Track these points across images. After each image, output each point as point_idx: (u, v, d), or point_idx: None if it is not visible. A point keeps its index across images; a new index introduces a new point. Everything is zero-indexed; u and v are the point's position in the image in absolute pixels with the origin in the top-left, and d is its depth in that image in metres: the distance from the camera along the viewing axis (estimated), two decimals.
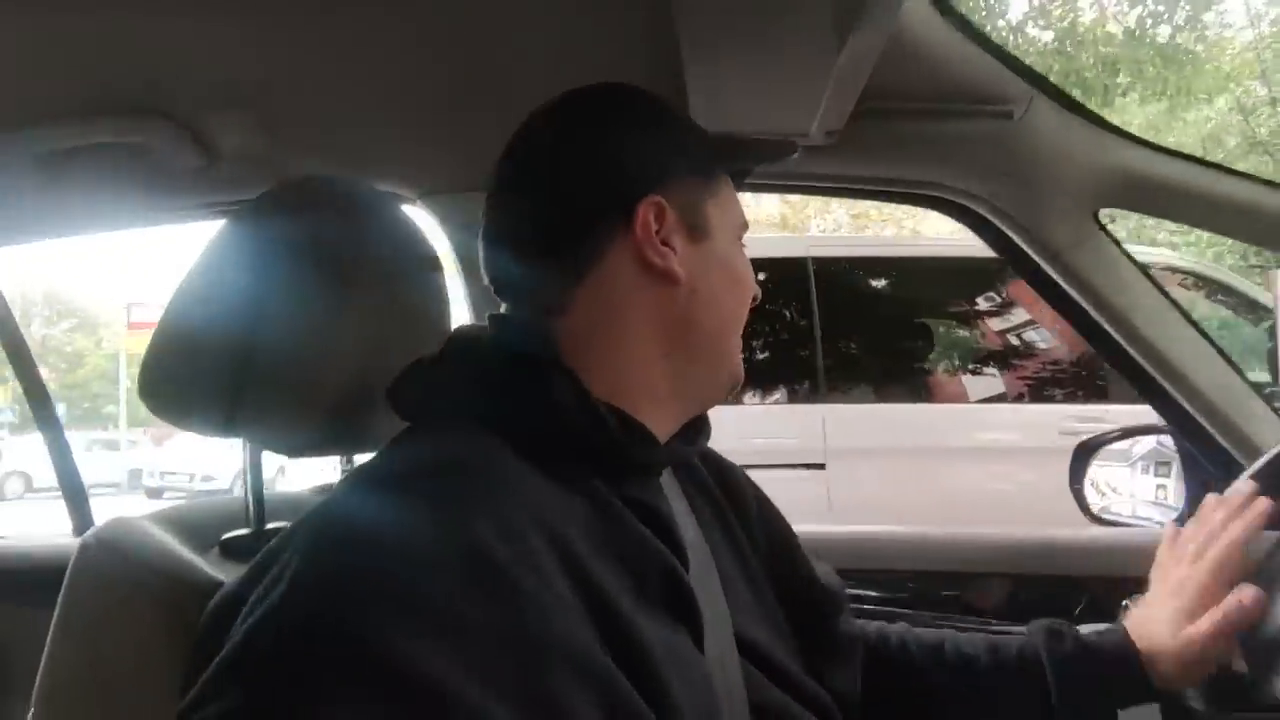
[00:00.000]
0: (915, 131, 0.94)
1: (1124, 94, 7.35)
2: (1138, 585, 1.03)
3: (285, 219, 0.65)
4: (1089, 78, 7.25)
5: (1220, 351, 1.05)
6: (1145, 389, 1.09)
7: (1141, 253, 3.48)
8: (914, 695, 0.74)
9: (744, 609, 0.63)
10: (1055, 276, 1.04)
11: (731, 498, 0.72)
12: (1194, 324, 1.06)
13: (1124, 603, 1.06)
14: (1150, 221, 7.48)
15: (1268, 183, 0.96)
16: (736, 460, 0.75)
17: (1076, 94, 7.06)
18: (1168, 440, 1.30)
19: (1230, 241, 6.99)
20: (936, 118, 0.91)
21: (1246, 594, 0.67)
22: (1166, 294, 1.07)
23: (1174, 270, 3.37)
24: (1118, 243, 1.04)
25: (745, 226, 0.65)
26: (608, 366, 0.56)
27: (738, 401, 3.13)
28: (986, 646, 0.74)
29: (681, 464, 0.68)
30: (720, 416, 0.65)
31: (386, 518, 0.43)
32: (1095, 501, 1.37)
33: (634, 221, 0.56)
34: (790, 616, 0.68)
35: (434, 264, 0.70)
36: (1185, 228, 7.16)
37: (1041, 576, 1.17)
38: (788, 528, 0.75)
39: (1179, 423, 1.09)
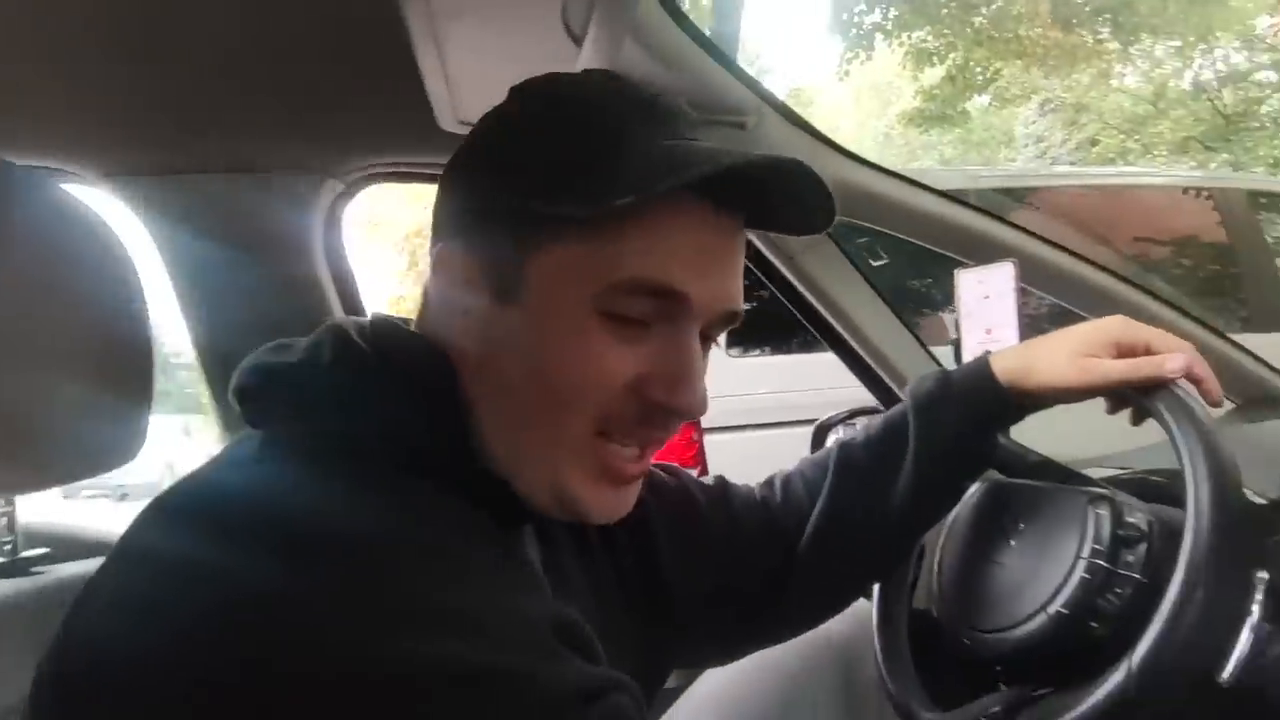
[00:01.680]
0: None
1: (1151, 32, 7.43)
2: None
3: None
4: (1115, 16, 7.26)
5: (921, 343, 1.20)
6: (864, 377, 1.22)
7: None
8: (825, 533, 0.71)
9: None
10: (790, 278, 1.12)
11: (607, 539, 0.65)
12: (900, 318, 1.21)
13: None
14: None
15: (959, 202, 1.10)
16: None
17: (1106, 33, 7.25)
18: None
19: None
20: None
21: (1177, 355, 0.62)
22: (880, 293, 1.20)
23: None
24: (840, 245, 1.15)
25: (660, 294, 0.45)
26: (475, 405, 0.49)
27: None
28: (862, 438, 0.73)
29: None
30: None
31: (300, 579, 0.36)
32: None
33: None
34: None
35: (121, 259, 0.60)
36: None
37: None
38: (690, 496, 0.70)
39: (890, 404, 1.23)
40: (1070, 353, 0.66)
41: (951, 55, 7.60)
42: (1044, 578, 0.67)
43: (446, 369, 0.48)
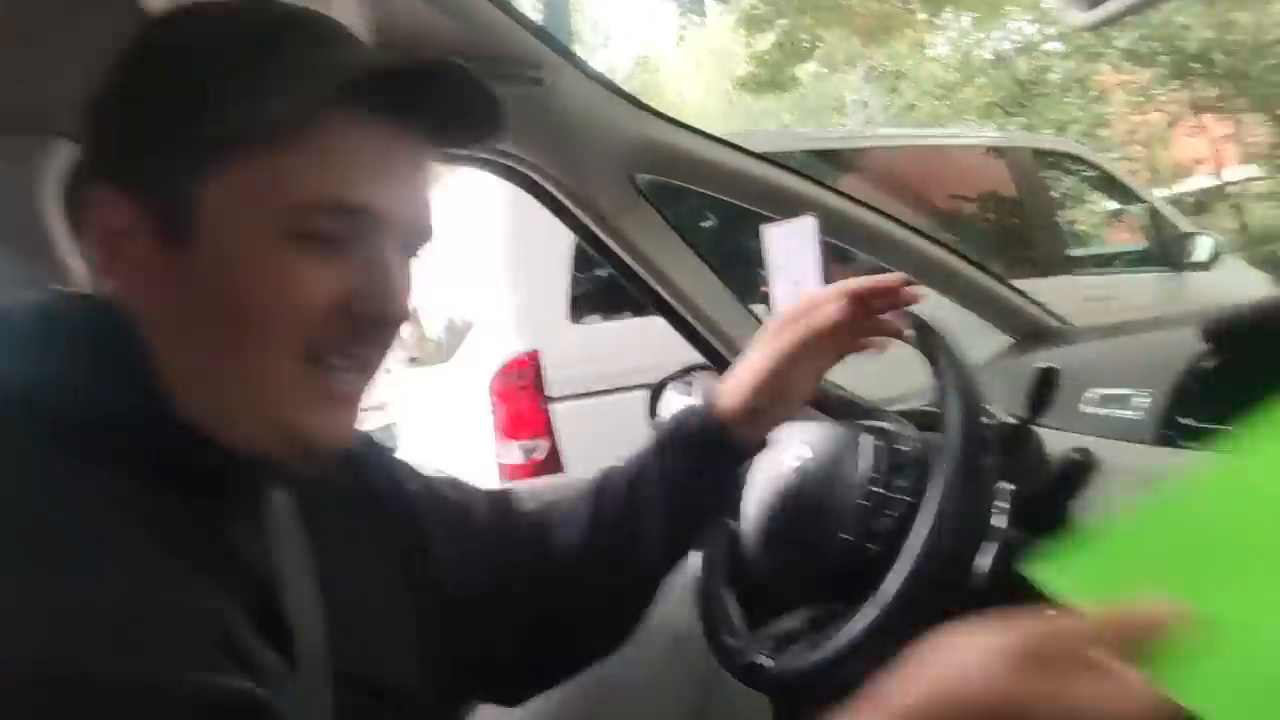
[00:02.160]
0: None
1: (952, 5, 7.90)
2: None
3: None
4: None
5: (738, 299, 1.24)
6: (685, 332, 1.25)
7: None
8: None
9: (363, 642, 0.55)
10: (605, 239, 1.12)
11: (384, 515, 0.62)
12: (718, 275, 1.24)
13: None
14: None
15: (763, 159, 1.14)
16: None
17: (915, 4, 7.52)
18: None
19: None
20: None
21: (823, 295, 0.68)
22: (698, 252, 1.23)
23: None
24: (656, 206, 1.16)
25: (342, 211, 0.44)
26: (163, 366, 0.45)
27: None
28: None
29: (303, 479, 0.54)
30: None
31: None
32: None
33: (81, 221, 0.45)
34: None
35: None
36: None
37: None
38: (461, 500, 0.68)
39: (714, 360, 1.28)
40: (761, 356, 0.68)
41: (779, 21, 7.87)
42: (831, 508, 0.72)
43: (106, 325, 0.45)
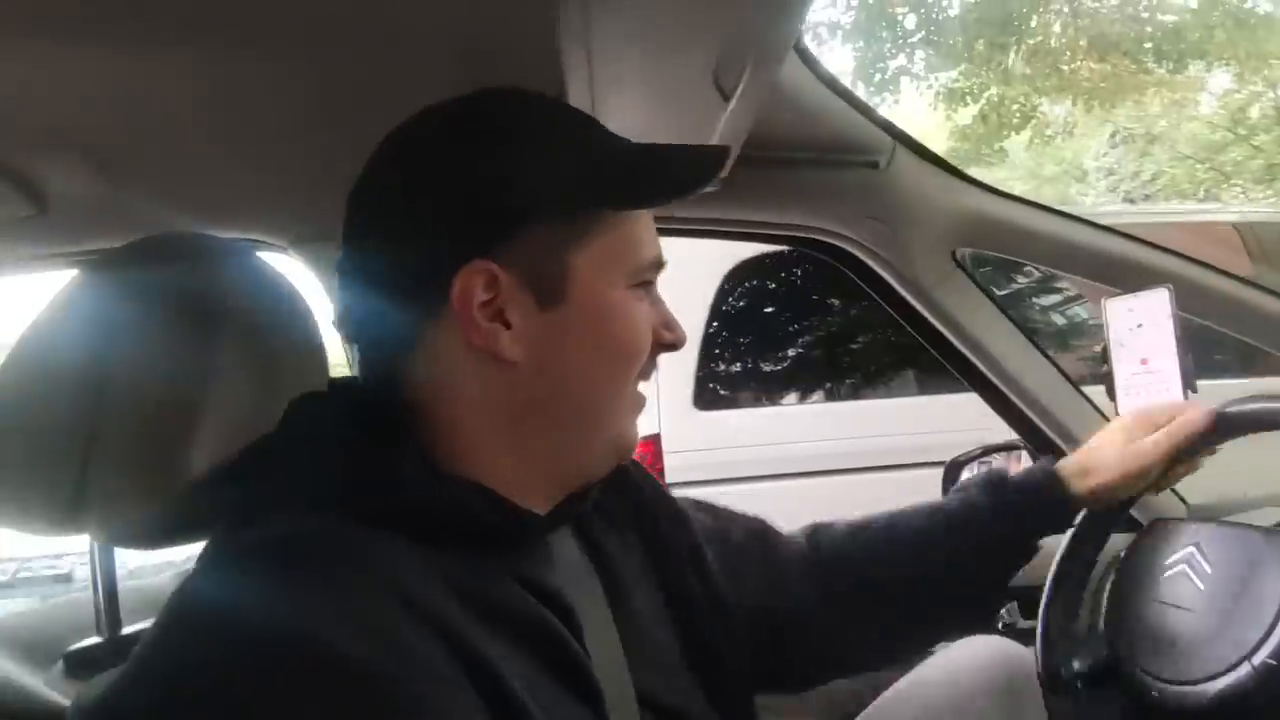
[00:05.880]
0: (792, 179, 0.98)
1: (1203, 57, 7.08)
2: (1010, 595, 1.13)
3: (141, 274, 0.58)
4: (1160, 44, 6.95)
5: (1065, 375, 1.16)
6: (1003, 411, 1.18)
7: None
8: (864, 590, 0.74)
9: (661, 665, 0.59)
10: (923, 312, 1.11)
11: (655, 531, 0.66)
12: (1041, 350, 1.17)
13: (1001, 611, 1.15)
14: None
15: (1102, 227, 1.07)
16: None
17: (1149, 60, 6.95)
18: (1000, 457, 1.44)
19: None
20: (811, 166, 0.96)
21: (1194, 413, 0.74)
22: (1017, 323, 1.17)
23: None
24: (974, 278, 1.13)
25: (656, 266, 0.54)
26: (456, 445, 0.50)
27: None
28: (926, 512, 0.77)
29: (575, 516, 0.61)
30: None
31: (232, 605, 0.40)
32: None
33: (451, 293, 0.48)
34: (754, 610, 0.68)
35: (306, 317, 0.65)
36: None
37: None
38: (728, 527, 0.73)
39: (1034, 440, 1.20)
40: (1119, 448, 0.76)
41: (986, 94, 7.20)
42: (1243, 624, 0.64)
43: (395, 409, 0.51)
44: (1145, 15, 7.01)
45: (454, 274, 0.48)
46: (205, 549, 0.46)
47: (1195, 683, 0.65)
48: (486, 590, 0.45)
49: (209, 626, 0.40)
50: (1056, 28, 7.14)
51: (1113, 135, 8.73)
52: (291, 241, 1.03)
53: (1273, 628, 0.61)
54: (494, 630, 0.43)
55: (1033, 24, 7.08)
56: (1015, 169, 9.67)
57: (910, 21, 6.95)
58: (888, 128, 0.95)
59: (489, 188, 0.49)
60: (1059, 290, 2.94)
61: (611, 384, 0.53)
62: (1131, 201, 8.06)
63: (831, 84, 0.88)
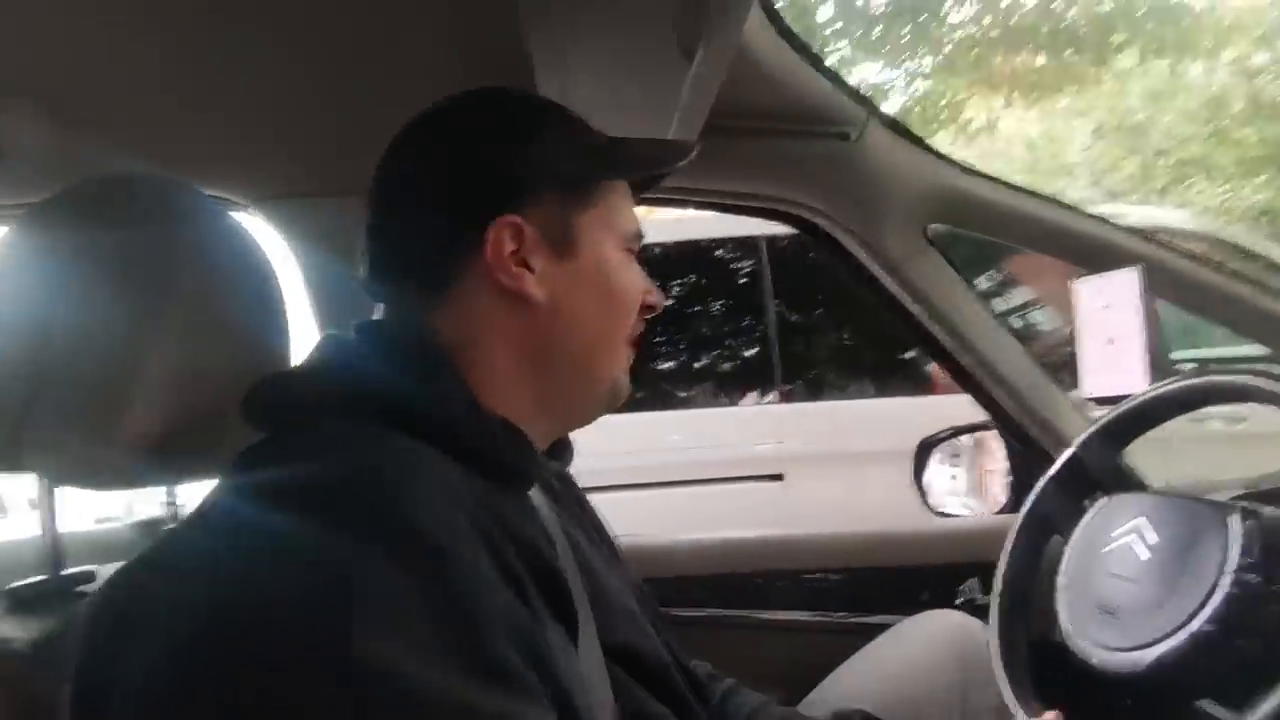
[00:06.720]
0: (760, 149, 0.98)
1: (1119, 50, 6.91)
2: (972, 571, 1.14)
3: (84, 221, 0.58)
4: (1082, 35, 6.80)
5: (1029, 353, 1.17)
6: (970, 388, 1.19)
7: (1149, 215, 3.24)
8: None
9: (619, 616, 0.65)
10: (890, 288, 1.11)
11: (589, 517, 0.74)
12: (1009, 329, 1.17)
13: (962, 586, 1.16)
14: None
15: (1074, 209, 1.07)
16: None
17: (1069, 52, 6.80)
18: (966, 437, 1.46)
19: (1238, 210, 6.79)
20: (780, 136, 0.96)
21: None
22: (987, 305, 1.18)
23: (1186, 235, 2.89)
24: (946, 256, 1.13)
25: (638, 236, 0.63)
26: (480, 379, 0.56)
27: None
28: None
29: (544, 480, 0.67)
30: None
31: (313, 532, 0.41)
32: (935, 496, 1.48)
33: (485, 243, 0.56)
34: None
35: (267, 275, 0.65)
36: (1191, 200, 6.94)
37: (887, 568, 1.25)
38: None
39: (999, 419, 1.20)
40: None
41: (909, 88, 7.09)
42: (1183, 593, 0.64)
43: (426, 344, 0.56)
44: (1069, 9, 6.89)
45: (487, 227, 0.56)
46: (267, 477, 0.46)
47: (1134, 649, 0.66)
48: (506, 515, 0.48)
49: (315, 506, 0.42)
50: (981, 21, 6.97)
51: (1096, 129, 8.63)
52: (255, 199, 1.02)
53: (1210, 595, 0.62)
54: (515, 550, 0.47)
55: (951, 18, 6.96)
56: (1013, 163, 9.61)
57: (824, 13, 6.68)
58: (861, 99, 0.94)
59: (512, 159, 0.58)
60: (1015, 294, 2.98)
61: (612, 330, 0.61)
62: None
63: (804, 51, 0.88)
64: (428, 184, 0.59)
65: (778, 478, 2.70)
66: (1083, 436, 0.87)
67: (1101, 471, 0.83)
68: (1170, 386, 0.80)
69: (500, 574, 0.44)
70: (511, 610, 0.43)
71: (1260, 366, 0.70)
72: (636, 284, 0.62)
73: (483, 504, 0.47)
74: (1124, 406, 0.85)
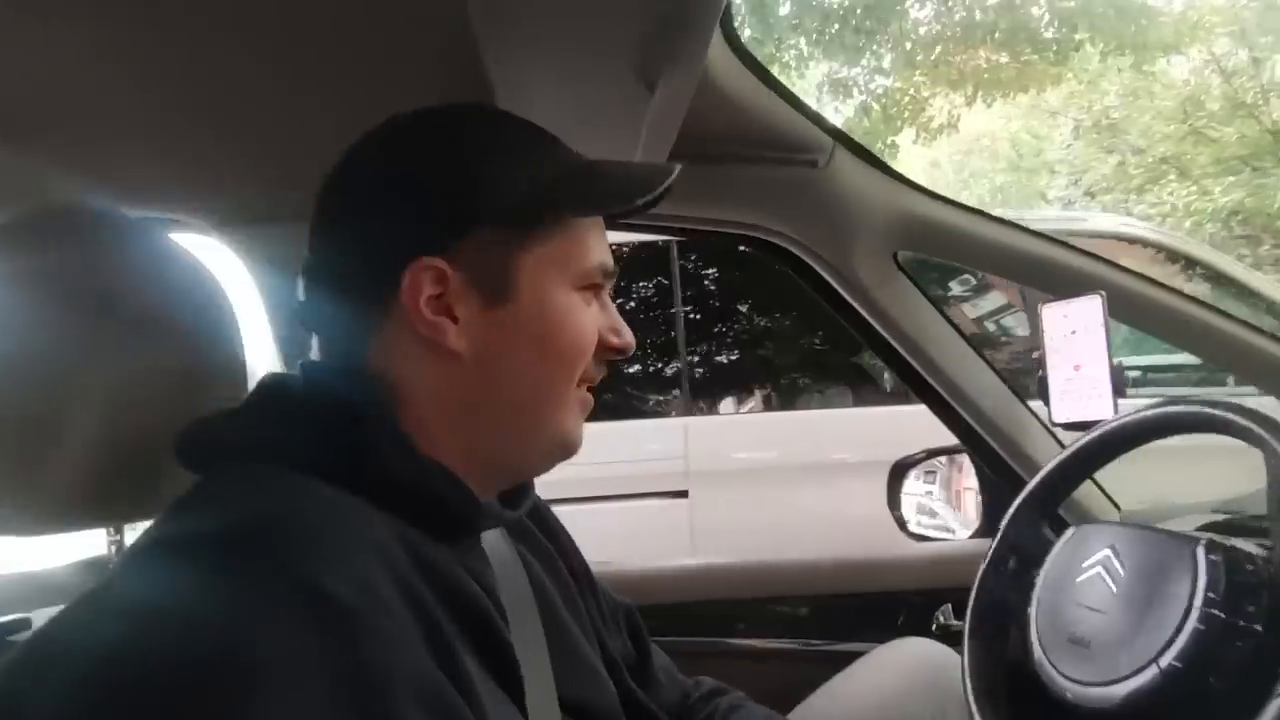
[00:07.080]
0: (729, 176, 0.97)
1: (1077, 49, 6.84)
2: (948, 596, 1.13)
3: (22, 251, 0.56)
4: (1043, 32, 6.69)
5: (1001, 377, 1.17)
6: (941, 413, 1.19)
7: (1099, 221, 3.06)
8: None
9: (577, 668, 0.62)
10: (863, 313, 1.11)
11: (560, 549, 0.71)
12: (981, 356, 1.18)
13: (936, 613, 1.15)
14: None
15: (1036, 234, 1.08)
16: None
17: (1027, 50, 6.63)
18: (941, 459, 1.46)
19: (1209, 210, 6.85)
20: (748, 163, 0.95)
21: None
22: (957, 327, 1.18)
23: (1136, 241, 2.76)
24: (915, 281, 1.13)
25: (605, 271, 0.56)
26: (416, 425, 0.52)
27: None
28: None
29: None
30: None
31: (207, 590, 0.39)
32: (911, 519, 1.47)
33: (400, 288, 0.51)
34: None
35: (219, 305, 0.63)
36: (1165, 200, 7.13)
37: (863, 594, 1.24)
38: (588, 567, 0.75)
39: (971, 442, 1.20)
40: None
41: (870, 86, 6.97)
42: (1151, 627, 0.64)
43: (367, 389, 0.53)
44: (1029, 6, 6.83)
45: (404, 269, 0.51)
46: (171, 526, 0.45)
47: (1106, 684, 0.65)
48: (440, 569, 0.46)
49: (205, 561, 0.40)
50: (942, 19, 6.96)
51: (1075, 128, 8.71)
52: (215, 224, 0.99)
53: (1179, 630, 0.61)
54: (446, 607, 0.45)
55: (912, 14, 6.95)
56: (998, 161, 9.67)
57: (783, 9, 6.50)
58: (826, 127, 0.94)
59: (443, 191, 0.53)
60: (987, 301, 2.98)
61: (552, 382, 0.55)
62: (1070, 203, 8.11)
63: (767, 80, 0.88)
64: (349, 217, 0.54)
65: (683, 494, 2.63)
66: (1050, 465, 0.87)
67: (1067, 504, 0.83)
68: (1135, 418, 0.80)
69: (422, 631, 0.42)
70: (421, 672, 0.40)
71: (1225, 399, 0.70)
72: (587, 328, 0.55)
73: (411, 556, 0.45)
74: (1089, 436, 0.85)
